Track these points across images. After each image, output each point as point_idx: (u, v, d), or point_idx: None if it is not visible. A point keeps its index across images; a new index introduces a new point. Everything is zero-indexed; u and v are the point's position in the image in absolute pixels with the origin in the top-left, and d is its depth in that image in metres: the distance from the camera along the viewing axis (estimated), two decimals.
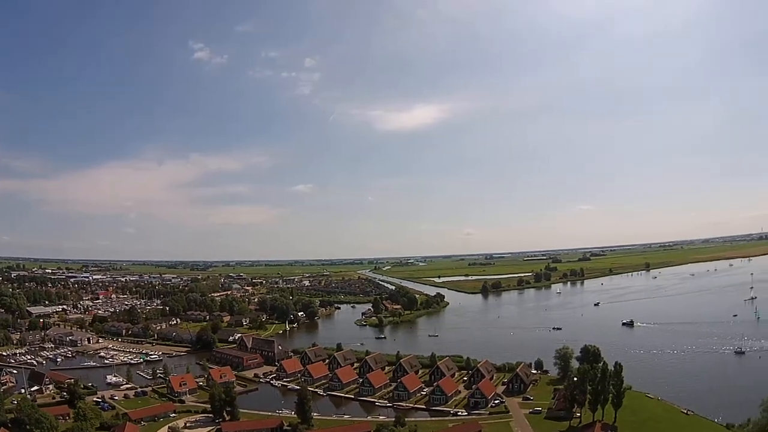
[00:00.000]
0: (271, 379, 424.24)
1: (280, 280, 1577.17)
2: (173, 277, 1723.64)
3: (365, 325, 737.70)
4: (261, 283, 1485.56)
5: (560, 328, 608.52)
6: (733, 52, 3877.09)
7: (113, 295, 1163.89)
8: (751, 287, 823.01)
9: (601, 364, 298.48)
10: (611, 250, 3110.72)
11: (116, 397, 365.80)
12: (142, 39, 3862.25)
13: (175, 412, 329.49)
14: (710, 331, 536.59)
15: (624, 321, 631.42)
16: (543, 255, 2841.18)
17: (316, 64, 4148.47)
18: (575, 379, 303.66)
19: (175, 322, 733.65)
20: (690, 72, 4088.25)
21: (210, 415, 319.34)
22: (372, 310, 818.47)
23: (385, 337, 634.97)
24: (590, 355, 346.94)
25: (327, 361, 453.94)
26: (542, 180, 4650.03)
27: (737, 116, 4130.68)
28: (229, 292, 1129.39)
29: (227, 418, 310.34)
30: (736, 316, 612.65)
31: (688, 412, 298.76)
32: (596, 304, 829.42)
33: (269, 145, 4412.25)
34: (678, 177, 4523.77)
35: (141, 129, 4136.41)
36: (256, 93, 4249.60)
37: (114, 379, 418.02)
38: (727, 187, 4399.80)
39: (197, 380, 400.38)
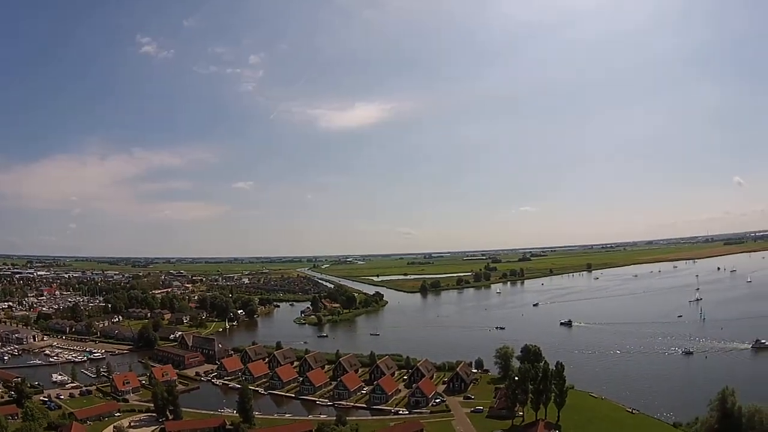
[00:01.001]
0: (212, 377, 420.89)
1: (220, 278, 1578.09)
2: (115, 274, 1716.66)
3: (304, 323, 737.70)
4: (201, 280, 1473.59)
5: (504, 328, 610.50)
6: (679, 60, 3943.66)
7: (57, 292, 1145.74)
8: (698, 288, 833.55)
9: (542, 364, 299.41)
10: (552, 251, 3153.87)
11: (62, 396, 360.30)
12: (91, 32, 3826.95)
13: (119, 412, 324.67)
14: (655, 331, 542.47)
15: (562, 321, 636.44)
16: (482, 255, 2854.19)
17: (261, 61, 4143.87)
18: (516, 378, 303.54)
19: (117, 319, 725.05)
20: (635, 76, 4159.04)
21: (154, 414, 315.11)
22: (311, 308, 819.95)
23: (327, 336, 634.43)
24: (531, 354, 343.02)
25: (267, 359, 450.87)
26: (482, 181, 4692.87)
27: (681, 122, 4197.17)
28: (169, 290, 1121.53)
29: (170, 417, 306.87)
30: (681, 316, 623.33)
31: (634, 412, 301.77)
32: (535, 305, 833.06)
33: (212, 142, 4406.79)
34: (622, 180, 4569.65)
35: (87, 123, 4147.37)
36: (201, 88, 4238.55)
37: (59, 377, 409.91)
38: (672, 190, 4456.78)
39: (140, 379, 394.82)
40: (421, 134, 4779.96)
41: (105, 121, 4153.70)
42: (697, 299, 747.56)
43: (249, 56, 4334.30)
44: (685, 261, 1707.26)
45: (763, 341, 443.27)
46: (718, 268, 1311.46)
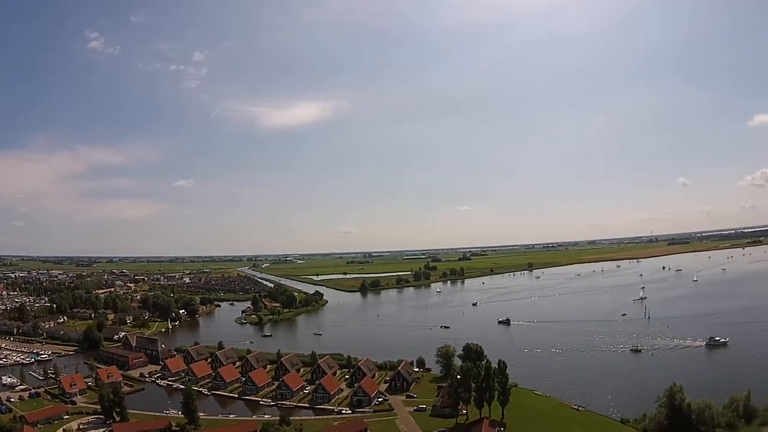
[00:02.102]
0: (157, 378, 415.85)
1: (162, 277, 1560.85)
2: (60, 274, 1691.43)
3: (245, 323, 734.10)
4: (143, 279, 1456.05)
5: (448, 327, 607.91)
6: (622, 63, 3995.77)
7: (3, 292, 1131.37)
8: (643, 287, 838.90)
9: (484, 362, 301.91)
10: (492, 250, 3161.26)
11: (12, 399, 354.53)
12: (40, 26, 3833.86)
13: (68, 414, 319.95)
14: (599, 330, 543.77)
15: (500, 319, 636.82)
16: (422, 254, 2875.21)
17: (205, 59, 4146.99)
18: (458, 376, 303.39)
19: (62, 320, 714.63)
20: (578, 79, 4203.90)
21: (101, 416, 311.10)
22: (252, 308, 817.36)
23: (271, 335, 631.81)
24: (473, 353, 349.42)
25: (209, 359, 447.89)
26: (423, 180, 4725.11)
27: (624, 124, 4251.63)
28: (112, 289, 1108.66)
29: (117, 419, 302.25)
30: (625, 315, 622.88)
31: (580, 408, 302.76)
32: (474, 304, 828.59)
33: (154, 139, 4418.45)
34: (564, 180, 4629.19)
35: (33, 119, 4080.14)
36: (145, 85, 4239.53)
37: (8, 380, 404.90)
38: (616, 191, 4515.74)
39: (86, 380, 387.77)
40: (362, 133, 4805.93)
41: (51, 117, 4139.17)
42: (642, 298, 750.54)
43: (193, 53, 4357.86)
44: (628, 260, 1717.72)
45: (717, 338, 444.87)
46: (663, 268, 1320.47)
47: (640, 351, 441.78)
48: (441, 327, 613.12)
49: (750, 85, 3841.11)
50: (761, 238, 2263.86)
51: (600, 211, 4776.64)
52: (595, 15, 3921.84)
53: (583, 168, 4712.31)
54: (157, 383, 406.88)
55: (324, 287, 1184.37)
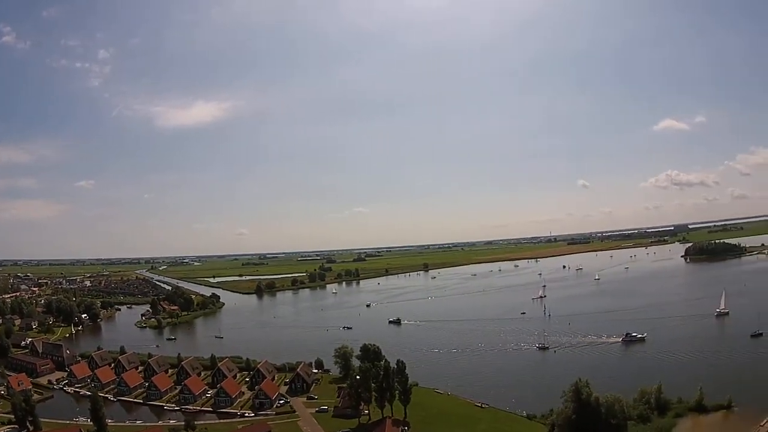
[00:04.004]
0: (64, 385, 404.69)
1: (64, 281, 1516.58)
2: None
3: (145, 326, 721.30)
4: (46, 283, 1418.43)
5: (351, 327, 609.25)
6: (520, 69, 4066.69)
7: None
8: (544, 285, 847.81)
9: (383, 362, 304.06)
10: (387, 251, 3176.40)
11: None
12: None
13: None
14: (498, 328, 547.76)
15: (391, 319, 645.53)
16: (317, 255, 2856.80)
17: (110, 56, 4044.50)
18: (358, 377, 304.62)
19: None
20: (479, 84, 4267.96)
21: (15, 425, 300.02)
22: (150, 311, 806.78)
23: (175, 338, 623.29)
24: (371, 353, 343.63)
25: (113, 364, 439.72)
26: (317, 181, 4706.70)
27: (523, 127, 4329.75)
28: (18, 294, 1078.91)
29: (31, 429, 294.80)
30: (524, 313, 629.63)
31: (484, 406, 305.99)
32: (368, 305, 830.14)
33: (58, 138, 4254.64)
34: (461, 182, 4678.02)
35: None
36: (51, 82, 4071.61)
37: None
38: (513, 193, 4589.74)
39: None
40: (259, 134, 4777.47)
41: None
42: (541, 296, 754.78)
43: (99, 51, 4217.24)
44: (527, 260, 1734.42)
45: (634, 334, 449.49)
46: (564, 267, 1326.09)
47: (547, 348, 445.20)
48: (343, 328, 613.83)
49: (656, 90, 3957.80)
50: (666, 238, 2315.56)
51: (498, 213, 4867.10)
52: (494, 22, 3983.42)
53: (481, 170, 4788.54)
54: (65, 390, 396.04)
55: (220, 289, 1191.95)
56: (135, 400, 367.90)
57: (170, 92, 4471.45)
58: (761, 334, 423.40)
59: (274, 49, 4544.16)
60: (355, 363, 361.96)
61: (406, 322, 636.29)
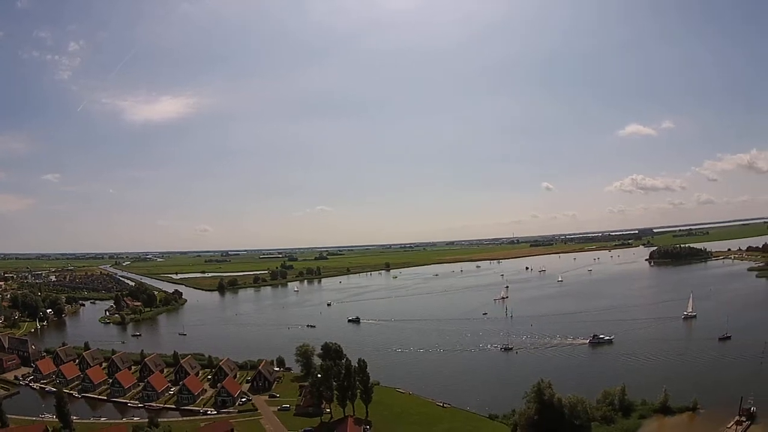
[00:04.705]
0: (30, 381, 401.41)
1: (29, 275, 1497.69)
2: None
3: (109, 322, 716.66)
4: (12, 277, 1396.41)
5: (314, 326, 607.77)
6: (484, 73, 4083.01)
7: None
8: (507, 286, 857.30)
9: (344, 361, 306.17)
10: (349, 250, 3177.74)
11: None
12: None
13: None
14: (459, 328, 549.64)
15: (350, 318, 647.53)
16: (279, 253, 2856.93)
17: (80, 49, 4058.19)
18: (319, 375, 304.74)
19: None
20: (443, 87, 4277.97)
21: None
22: (114, 307, 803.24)
23: (140, 335, 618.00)
24: (332, 351, 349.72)
25: (77, 360, 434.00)
26: (281, 178, 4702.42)
27: (486, 130, 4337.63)
28: None
29: None
30: (486, 314, 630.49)
31: (445, 406, 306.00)
32: (328, 304, 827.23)
33: (26, 130, 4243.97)
34: (424, 183, 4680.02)
35: None
36: (21, 73, 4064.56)
37: None
38: (476, 194, 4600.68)
39: None
40: (222, 131, 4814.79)
41: None
42: (503, 297, 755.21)
43: (69, 43, 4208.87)
44: (489, 261, 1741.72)
45: (601, 336, 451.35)
46: (527, 268, 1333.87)
47: (511, 349, 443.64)
48: (307, 326, 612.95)
49: (623, 96, 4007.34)
50: (630, 241, 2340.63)
51: (461, 214, 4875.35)
52: (462, 25, 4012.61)
53: (445, 171, 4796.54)
54: (31, 386, 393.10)
55: (183, 286, 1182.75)
56: (99, 396, 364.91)
57: (138, 87, 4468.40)
58: (729, 338, 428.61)
59: (242, 47, 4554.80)
60: (317, 361, 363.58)
61: (365, 320, 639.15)
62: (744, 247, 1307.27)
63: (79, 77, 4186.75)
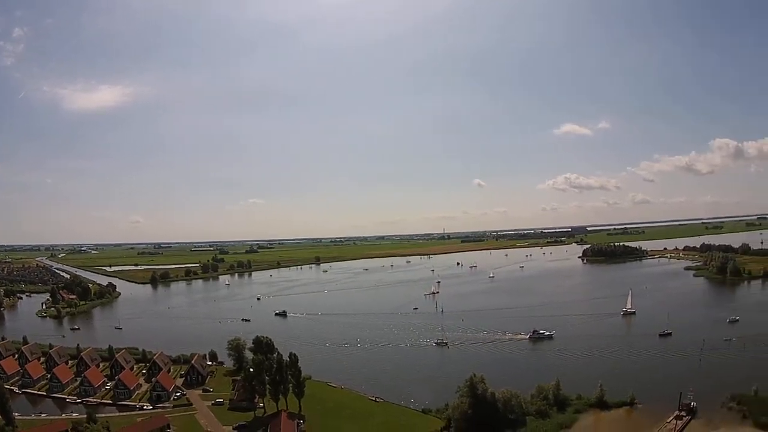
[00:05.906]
0: None
1: None
2: None
3: (46, 316, 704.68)
4: None
5: (249, 320, 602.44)
6: (419, 70, 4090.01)
7: None
8: (438, 282, 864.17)
9: (275, 355, 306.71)
10: (280, 244, 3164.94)
11: None
12: None
13: None
14: (389, 323, 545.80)
15: (277, 311, 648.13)
16: (210, 246, 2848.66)
17: (24, 35, 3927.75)
18: (251, 369, 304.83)
19: None
20: (379, 83, 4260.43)
21: None
22: (50, 300, 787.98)
23: (79, 328, 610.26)
24: (264, 345, 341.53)
25: (16, 355, 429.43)
26: (214, 171, 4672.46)
27: (418, 126, 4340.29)
28: None
29: None
30: (416, 309, 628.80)
31: (378, 400, 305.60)
32: (258, 298, 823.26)
33: None
34: (354, 177, 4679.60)
35: None
36: None
37: None
38: (407, 190, 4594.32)
39: None
40: (156, 122, 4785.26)
41: None
42: (434, 292, 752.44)
43: (14, 29, 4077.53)
44: (419, 256, 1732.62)
45: (542, 332, 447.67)
46: (458, 264, 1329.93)
47: (445, 344, 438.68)
48: (242, 320, 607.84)
49: (560, 95, 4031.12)
50: (563, 239, 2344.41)
51: (392, 209, 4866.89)
52: (397, 20, 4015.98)
53: (376, 166, 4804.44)
54: None
55: (117, 278, 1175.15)
56: (39, 392, 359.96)
57: (78, 75, 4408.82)
58: (670, 334, 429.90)
59: (181, 38, 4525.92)
60: (249, 355, 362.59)
61: (292, 314, 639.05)
62: (681, 247, 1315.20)
63: (22, 64, 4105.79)
